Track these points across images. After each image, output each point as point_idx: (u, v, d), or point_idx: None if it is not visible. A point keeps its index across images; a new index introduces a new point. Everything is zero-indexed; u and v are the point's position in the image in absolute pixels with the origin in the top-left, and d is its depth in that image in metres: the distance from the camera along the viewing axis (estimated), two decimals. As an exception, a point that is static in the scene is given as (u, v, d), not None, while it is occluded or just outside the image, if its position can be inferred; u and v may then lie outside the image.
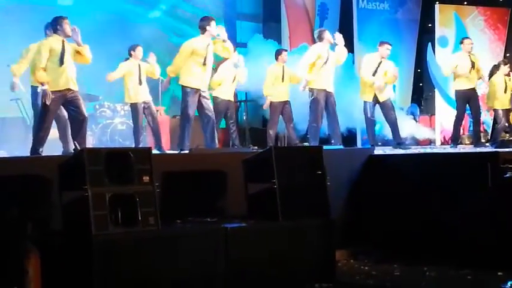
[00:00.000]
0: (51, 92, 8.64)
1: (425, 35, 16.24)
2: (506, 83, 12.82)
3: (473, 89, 12.11)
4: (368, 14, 15.54)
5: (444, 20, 15.97)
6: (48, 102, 8.63)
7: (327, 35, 11.25)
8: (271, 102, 11.87)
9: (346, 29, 13.70)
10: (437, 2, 16.03)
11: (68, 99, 8.80)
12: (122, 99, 12.29)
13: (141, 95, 10.97)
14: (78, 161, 6.01)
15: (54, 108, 8.79)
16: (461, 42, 12.35)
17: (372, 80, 11.54)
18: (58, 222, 6.20)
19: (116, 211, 5.94)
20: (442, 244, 7.83)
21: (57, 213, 6.21)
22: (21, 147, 10.47)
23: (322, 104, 11.08)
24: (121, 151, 6.70)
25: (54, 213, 6.30)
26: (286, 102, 11.92)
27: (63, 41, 8.82)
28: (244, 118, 12.32)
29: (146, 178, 6.17)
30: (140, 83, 10.96)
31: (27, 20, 12.45)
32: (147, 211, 6.08)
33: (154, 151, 8.19)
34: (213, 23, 9.74)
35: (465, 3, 16.46)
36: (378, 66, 11.67)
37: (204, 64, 9.67)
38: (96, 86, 12.43)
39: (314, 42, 11.97)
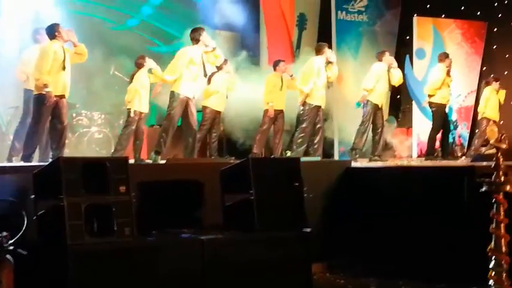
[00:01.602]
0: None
1: (403, 48, 16.29)
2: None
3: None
4: (347, 26, 15.56)
5: (422, 33, 16.06)
6: (48, 104, 8.76)
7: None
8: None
9: (324, 40, 13.71)
10: (415, 15, 16.11)
11: (58, 106, 8.90)
12: (99, 107, 12.28)
13: (147, 105, 10.96)
14: (54, 170, 5.95)
15: (49, 113, 8.84)
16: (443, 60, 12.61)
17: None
18: (33, 232, 6.14)
19: (92, 221, 5.89)
20: (418, 258, 7.84)
21: (32, 222, 6.14)
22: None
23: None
24: (98, 160, 6.65)
25: (28, 223, 6.23)
26: (281, 112, 12.06)
27: (63, 47, 8.96)
28: (222, 128, 12.32)
29: (123, 188, 6.12)
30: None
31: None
32: (123, 221, 6.03)
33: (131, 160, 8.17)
34: (204, 33, 9.92)
35: (443, 16, 16.55)
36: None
37: (197, 74, 9.79)
38: (73, 94, 12.38)
39: (293, 53, 12.16)
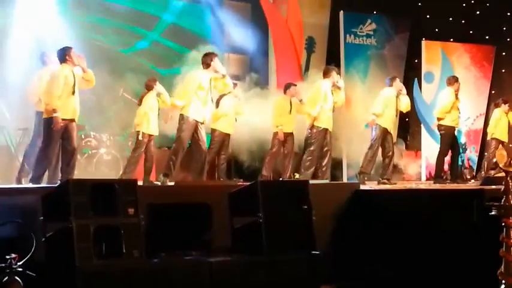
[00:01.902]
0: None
1: (412, 71, 16.32)
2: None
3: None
4: (355, 49, 15.61)
5: (431, 57, 16.09)
6: (55, 129, 8.81)
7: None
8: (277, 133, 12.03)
9: (333, 63, 13.75)
10: (423, 39, 16.15)
11: (68, 129, 8.94)
12: (108, 129, 12.30)
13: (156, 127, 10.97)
14: (63, 192, 5.97)
15: (59, 136, 8.91)
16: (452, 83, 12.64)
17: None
18: (41, 254, 6.14)
19: (100, 243, 5.90)
20: (427, 281, 7.80)
21: (41, 244, 6.14)
22: (5, 176, 10.43)
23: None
24: (106, 182, 6.67)
25: (37, 245, 6.23)
26: (291, 134, 12.08)
27: (72, 71, 9.03)
28: (230, 151, 12.32)
29: (131, 210, 6.14)
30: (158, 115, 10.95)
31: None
32: (132, 243, 6.04)
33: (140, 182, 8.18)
34: (216, 59, 9.93)
35: (451, 40, 16.58)
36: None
37: (206, 99, 9.79)
38: (81, 115, 12.43)
39: (301, 77, 12.18)
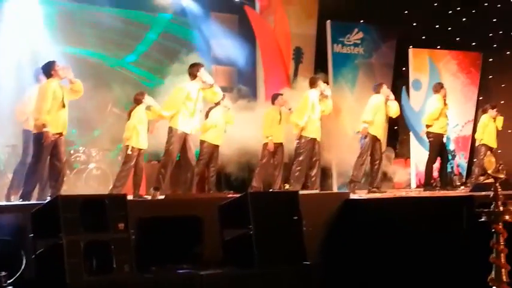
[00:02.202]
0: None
1: (400, 79, 16.36)
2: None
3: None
4: (343, 58, 15.65)
5: (418, 64, 16.14)
6: (46, 144, 8.80)
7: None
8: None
9: (321, 73, 13.77)
10: (411, 47, 16.20)
11: (56, 144, 8.93)
12: (96, 144, 12.29)
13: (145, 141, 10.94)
14: (52, 209, 5.96)
15: (48, 151, 8.91)
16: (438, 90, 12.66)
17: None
18: (31, 271, 6.11)
19: (91, 259, 5.89)
20: (418, 288, 7.81)
21: (31, 261, 6.12)
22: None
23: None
24: (96, 198, 6.66)
25: (27, 262, 6.21)
26: (280, 145, 12.10)
27: (59, 84, 9.03)
28: (219, 163, 12.31)
29: (121, 225, 6.13)
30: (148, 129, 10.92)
31: None
32: (122, 258, 6.03)
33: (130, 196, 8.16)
34: (202, 69, 9.89)
35: (438, 47, 16.64)
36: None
37: (195, 110, 9.74)
38: (70, 130, 12.42)
39: (290, 86, 12.22)
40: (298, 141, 11.38)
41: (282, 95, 12.45)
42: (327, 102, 11.64)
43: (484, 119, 14.15)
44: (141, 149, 10.82)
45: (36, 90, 9.62)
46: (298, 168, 11.28)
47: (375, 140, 11.91)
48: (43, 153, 8.92)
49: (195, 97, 9.74)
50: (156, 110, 10.60)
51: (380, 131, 12.08)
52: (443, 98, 12.53)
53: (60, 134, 9.09)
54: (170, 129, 9.74)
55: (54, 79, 9.09)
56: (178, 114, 9.67)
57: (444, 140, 12.73)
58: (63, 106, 9.06)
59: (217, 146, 11.87)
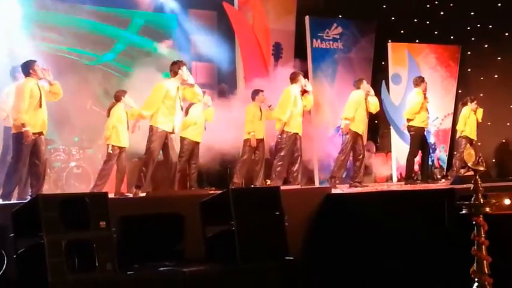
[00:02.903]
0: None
1: (379, 73, 16.38)
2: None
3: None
4: (322, 53, 15.65)
5: (397, 58, 16.17)
6: (26, 143, 8.75)
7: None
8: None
9: (300, 68, 13.77)
10: (389, 41, 16.23)
11: (36, 143, 8.89)
12: (77, 142, 12.23)
13: (126, 139, 10.91)
14: (33, 208, 5.93)
15: (28, 151, 8.88)
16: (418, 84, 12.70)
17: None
18: (13, 271, 6.08)
19: (73, 257, 5.86)
20: (400, 282, 7.83)
21: (12, 261, 6.09)
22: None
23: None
24: (77, 196, 6.64)
25: (8, 262, 6.18)
26: (262, 140, 12.12)
27: (37, 84, 8.98)
28: (200, 159, 12.29)
29: (103, 223, 6.11)
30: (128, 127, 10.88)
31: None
32: (105, 256, 6.02)
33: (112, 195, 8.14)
34: (184, 68, 9.85)
35: (417, 41, 16.68)
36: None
37: (174, 107, 9.70)
38: (50, 129, 12.35)
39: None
40: (280, 136, 11.37)
41: (262, 91, 12.45)
42: (309, 97, 11.65)
43: (465, 111, 14.26)
44: (122, 147, 10.79)
45: (13, 88, 9.56)
46: (280, 163, 11.28)
47: (356, 135, 11.95)
48: (23, 153, 8.88)
49: (174, 95, 9.68)
50: (135, 110, 10.58)
51: (361, 126, 12.12)
52: (423, 91, 12.59)
53: (40, 133, 9.05)
54: (151, 128, 9.71)
55: (32, 78, 9.03)
56: (158, 113, 9.63)
57: (425, 133, 12.78)
58: (41, 105, 9.01)
59: (197, 143, 11.86)
